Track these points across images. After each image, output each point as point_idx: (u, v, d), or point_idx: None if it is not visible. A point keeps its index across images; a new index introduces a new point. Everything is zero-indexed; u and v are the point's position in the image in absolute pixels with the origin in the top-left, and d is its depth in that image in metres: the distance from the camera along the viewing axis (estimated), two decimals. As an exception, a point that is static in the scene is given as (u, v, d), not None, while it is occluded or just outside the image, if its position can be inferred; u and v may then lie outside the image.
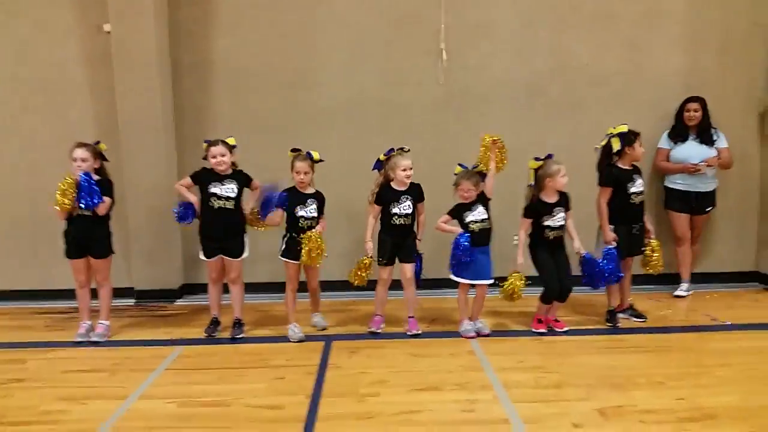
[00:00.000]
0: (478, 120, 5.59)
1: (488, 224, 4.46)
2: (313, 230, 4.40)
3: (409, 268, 4.57)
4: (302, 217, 4.50)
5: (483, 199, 4.49)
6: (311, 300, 4.81)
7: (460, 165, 4.55)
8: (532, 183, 4.48)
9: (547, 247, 4.48)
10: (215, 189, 4.43)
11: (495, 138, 4.45)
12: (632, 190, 4.57)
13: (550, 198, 4.48)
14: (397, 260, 4.61)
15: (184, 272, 5.73)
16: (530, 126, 5.61)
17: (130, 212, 5.44)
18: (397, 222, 4.50)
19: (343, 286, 5.44)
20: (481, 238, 4.45)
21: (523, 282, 4.39)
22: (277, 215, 4.45)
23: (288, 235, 4.51)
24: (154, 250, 5.50)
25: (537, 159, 4.47)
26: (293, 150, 4.58)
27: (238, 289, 4.66)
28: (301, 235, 4.39)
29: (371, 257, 4.51)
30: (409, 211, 4.50)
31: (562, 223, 4.48)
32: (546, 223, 4.44)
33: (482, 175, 4.51)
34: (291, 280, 4.56)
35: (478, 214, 4.45)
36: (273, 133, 5.55)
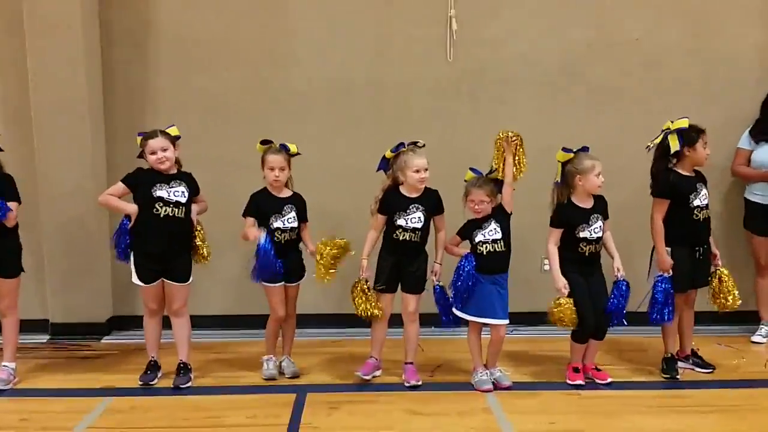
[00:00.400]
0: (496, 109, 5.58)
1: (502, 246, 4.46)
2: (325, 243, 4.51)
3: (412, 301, 4.60)
4: (278, 229, 4.55)
5: (500, 215, 4.50)
6: (284, 334, 4.83)
7: (471, 170, 4.56)
8: (559, 180, 4.51)
9: (579, 267, 4.49)
10: (161, 192, 4.46)
11: (510, 135, 4.43)
12: (695, 202, 4.55)
13: (584, 202, 4.49)
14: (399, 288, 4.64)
15: (114, 301, 5.72)
16: (564, 118, 5.63)
17: (43, 222, 5.41)
18: (402, 237, 4.50)
19: (326, 320, 5.54)
20: (491, 263, 4.45)
21: (572, 311, 4.38)
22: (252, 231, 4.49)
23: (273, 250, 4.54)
24: (75, 271, 5.45)
25: (566, 150, 4.47)
26: (263, 141, 4.61)
27: (183, 323, 4.67)
28: (318, 245, 4.49)
29: (365, 279, 4.51)
30: (419, 224, 4.50)
31: (600, 234, 4.49)
32: (582, 234, 4.44)
33: (499, 183, 4.51)
34: (275, 309, 4.63)
35: (490, 233, 4.47)
36: (231, 123, 5.58)
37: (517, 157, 4.44)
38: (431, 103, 5.63)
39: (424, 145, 4.53)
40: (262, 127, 5.33)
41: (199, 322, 5.05)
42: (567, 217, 4.49)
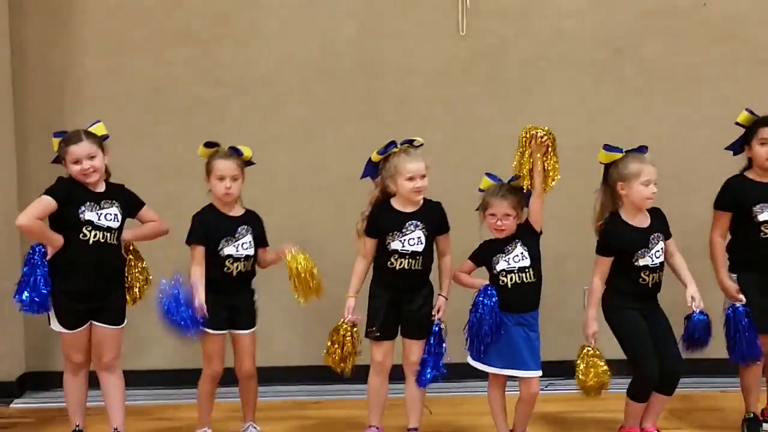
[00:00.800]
0: (522, 99, 5.59)
1: (531, 276, 4.46)
2: (292, 250, 4.54)
3: (416, 349, 4.58)
4: (230, 257, 4.56)
5: (527, 234, 4.50)
6: (242, 396, 4.79)
7: (489, 176, 4.53)
8: (601, 188, 4.57)
9: (640, 302, 4.51)
10: (91, 214, 4.46)
11: (539, 132, 4.39)
12: (762, 217, 4.58)
13: (636, 219, 4.51)
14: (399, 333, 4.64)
15: (27, 354, 5.71)
16: (612, 108, 5.63)
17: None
18: (399, 265, 4.50)
19: (304, 375, 5.55)
20: (517, 298, 4.45)
21: (602, 363, 4.44)
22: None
23: (206, 289, 4.54)
24: (-27, 317, 5.48)
25: (610, 149, 4.50)
26: (208, 144, 4.58)
27: (115, 381, 4.64)
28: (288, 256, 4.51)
29: (352, 323, 4.52)
30: (420, 247, 4.50)
31: (662, 259, 4.52)
32: (642, 261, 4.47)
33: (525, 194, 4.49)
34: (211, 361, 4.61)
35: (516, 258, 4.46)
36: (176, 119, 5.60)
37: (547, 161, 4.41)
38: (438, 90, 5.64)
39: (421, 145, 4.52)
40: (213, 122, 5.39)
41: (135, 379, 5.05)
42: (617, 240, 4.51)
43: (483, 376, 4.59)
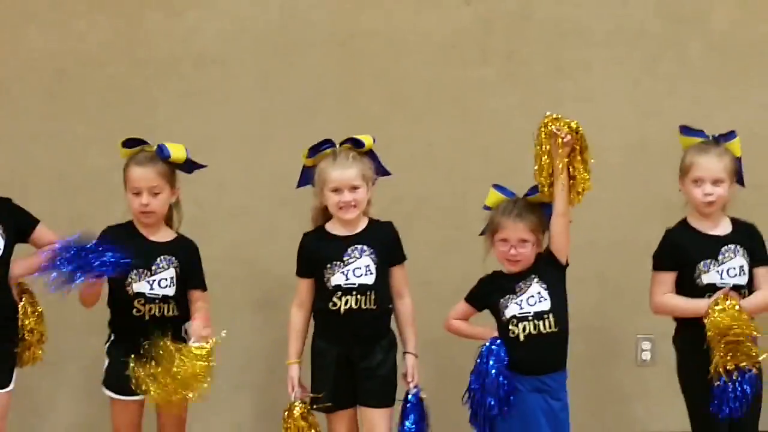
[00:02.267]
0: (551, 82, 5.58)
1: (552, 325, 4.45)
2: (192, 334, 4.48)
3: (379, 421, 4.58)
4: (141, 296, 4.50)
5: (548, 267, 4.52)
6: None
7: (497, 189, 4.56)
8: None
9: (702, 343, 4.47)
10: None
11: (561, 127, 4.41)
12: (708, 279, 4.60)
13: (708, 225, 4.56)
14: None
15: None
16: (670, 95, 5.62)
17: None
18: (345, 305, 4.53)
19: None
20: (533, 354, 4.45)
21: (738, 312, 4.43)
22: (92, 292, 4.49)
23: (112, 339, 4.61)
24: None
25: (688, 131, 4.56)
26: (127, 143, 4.59)
27: None
28: (146, 341, 4.41)
29: (302, 400, 4.54)
30: (369, 278, 4.55)
31: (743, 282, 4.53)
32: (705, 278, 4.50)
33: (544, 207, 4.51)
34: None
35: (531, 300, 4.46)
36: (87, 108, 5.57)
37: (574, 166, 4.41)
38: (439, 73, 5.65)
39: (360, 144, 4.56)
40: (141, 117, 5.39)
41: None
42: (677, 247, 4.52)
43: None
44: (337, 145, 4.56)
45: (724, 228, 4.55)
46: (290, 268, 4.96)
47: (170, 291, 4.52)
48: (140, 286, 4.47)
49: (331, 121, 5.50)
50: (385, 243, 4.56)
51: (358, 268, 4.49)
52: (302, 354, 4.60)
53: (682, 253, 4.55)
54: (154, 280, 4.50)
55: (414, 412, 4.55)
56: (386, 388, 4.55)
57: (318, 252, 4.55)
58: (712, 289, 4.46)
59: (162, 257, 4.52)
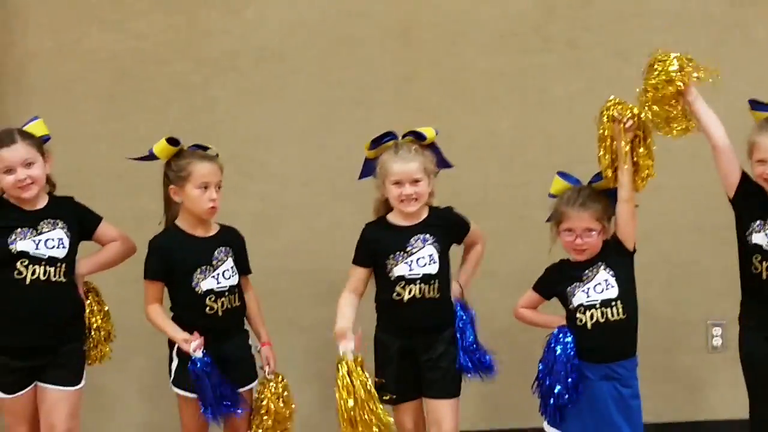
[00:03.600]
0: (614, 68, 5.53)
1: (620, 312, 4.44)
2: (268, 376, 4.64)
3: (446, 412, 4.56)
4: (210, 292, 4.53)
5: (615, 254, 4.51)
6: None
7: (561, 176, 4.57)
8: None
9: (760, 313, 4.52)
10: (25, 242, 4.47)
11: (625, 112, 4.39)
12: (756, 239, 4.55)
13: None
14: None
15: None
16: (737, 79, 5.46)
17: None
18: (409, 295, 4.53)
19: None
20: (601, 342, 4.44)
21: None
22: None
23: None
24: None
25: (758, 106, 4.52)
26: (172, 141, 4.60)
27: None
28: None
29: (353, 356, 4.45)
30: (434, 268, 4.56)
31: None
32: (755, 238, 4.48)
33: (610, 193, 4.49)
34: None
35: (598, 288, 4.45)
36: (148, 106, 5.63)
37: (637, 152, 4.41)
38: (498, 62, 5.63)
39: (422, 138, 4.55)
40: (201, 114, 5.45)
41: None
42: (745, 200, 4.47)
43: None
44: (399, 138, 4.56)
45: None
46: (349, 257, 5.02)
47: (234, 280, 4.57)
48: (208, 284, 4.50)
49: (390, 113, 5.54)
50: (446, 228, 4.56)
51: (421, 258, 4.50)
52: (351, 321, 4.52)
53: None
54: (218, 274, 4.52)
55: (463, 325, 4.58)
56: (451, 378, 4.55)
57: (380, 242, 4.56)
58: (760, 250, 4.44)
59: (218, 249, 4.55)
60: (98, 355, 4.64)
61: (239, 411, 4.53)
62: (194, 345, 4.40)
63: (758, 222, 4.43)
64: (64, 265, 4.46)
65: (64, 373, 4.49)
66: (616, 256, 4.45)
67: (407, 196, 4.47)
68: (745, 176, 4.50)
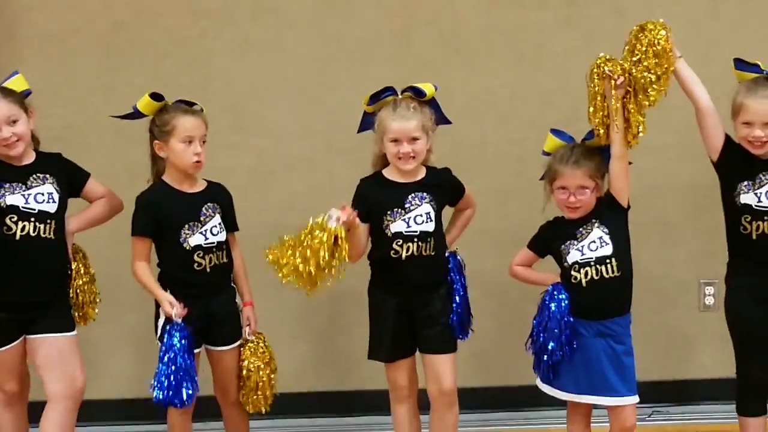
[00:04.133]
0: (611, 24, 5.49)
1: (614, 270, 4.46)
2: (249, 337, 4.66)
3: (444, 367, 4.59)
4: (198, 248, 4.57)
5: (609, 211, 4.52)
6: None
7: (554, 133, 4.56)
8: None
9: (751, 270, 4.54)
10: (14, 197, 4.49)
11: (614, 67, 4.39)
12: (745, 199, 4.56)
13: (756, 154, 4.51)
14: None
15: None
16: (732, 39, 5.51)
17: None
18: (407, 253, 4.55)
19: (317, 402, 5.42)
20: (596, 299, 4.46)
21: None
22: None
23: (167, 292, 4.58)
24: None
25: (743, 66, 4.51)
26: (156, 96, 4.58)
27: (63, 415, 4.57)
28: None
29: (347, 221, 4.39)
30: (430, 226, 4.56)
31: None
32: (743, 198, 4.49)
33: (604, 150, 4.50)
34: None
35: (593, 246, 4.47)
36: (144, 60, 5.60)
37: (630, 110, 4.41)
38: (498, 14, 5.61)
39: (422, 94, 4.52)
40: (197, 68, 5.41)
41: (89, 412, 5.04)
42: (730, 162, 4.49)
43: (561, 404, 4.59)
44: (399, 94, 4.54)
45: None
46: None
47: (222, 237, 4.58)
48: (196, 239, 4.50)
49: (387, 68, 5.49)
50: (443, 189, 4.57)
51: (419, 216, 4.49)
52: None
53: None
54: (206, 230, 4.53)
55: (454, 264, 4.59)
56: (448, 334, 4.56)
57: (377, 198, 4.55)
58: (750, 210, 4.46)
59: (206, 205, 4.56)
60: (83, 317, 4.65)
61: (184, 402, 4.46)
62: (176, 311, 4.40)
63: (746, 182, 4.45)
64: (53, 222, 4.47)
65: (56, 322, 4.50)
66: (610, 213, 4.46)
67: (405, 153, 4.47)
68: (728, 138, 4.49)
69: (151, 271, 4.52)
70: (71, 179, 4.59)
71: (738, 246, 4.53)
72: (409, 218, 4.51)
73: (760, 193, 4.45)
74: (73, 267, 4.61)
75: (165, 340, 4.46)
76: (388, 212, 4.51)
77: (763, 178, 4.45)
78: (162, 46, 5.55)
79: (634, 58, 4.41)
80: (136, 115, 4.56)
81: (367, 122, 4.64)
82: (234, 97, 5.20)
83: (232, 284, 4.72)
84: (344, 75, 5.58)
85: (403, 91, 4.53)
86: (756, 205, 4.43)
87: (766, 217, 4.46)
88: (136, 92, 5.22)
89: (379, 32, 5.58)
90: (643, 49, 4.41)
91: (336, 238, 4.28)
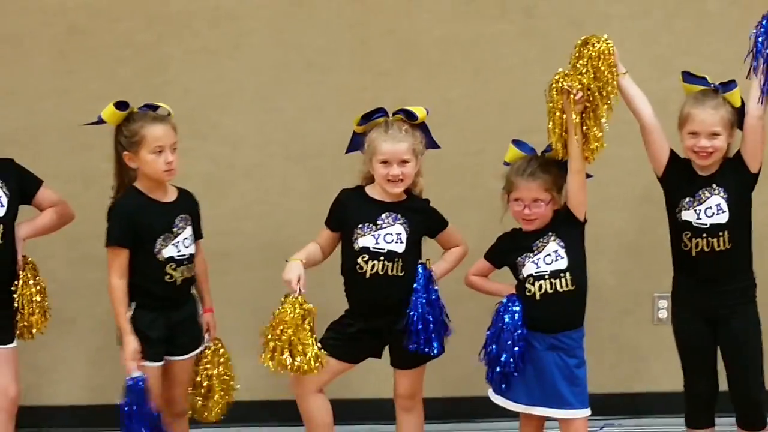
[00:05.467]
0: (567, 37, 5.14)
1: (568, 283, 4.47)
2: (208, 344, 4.69)
3: (405, 380, 4.64)
4: (171, 260, 4.54)
5: (565, 225, 4.52)
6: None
7: (516, 145, 4.57)
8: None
9: (691, 282, 4.61)
10: None
11: (572, 81, 4.39)
12: (686, 216, 4.63)
13: (701, 167, 4.54)
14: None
15: None
16: (689, 51, 5.57)
17: None
18: (372, 270, 4.55)
19: (270, 413, 5.40)
20: (549, 312, 4.46)
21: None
22: None
23: (135, 305, 4.52)
24: None
25: (690, 79, 4.61)
26: (121, 105, 4.52)
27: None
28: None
29: (296, 293, 4.43)
30: (399, 246, 4.56)
31: (723, 221, 4.51)
32: (684, 215, 4.55)
33: (562, 163, 4.51)
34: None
35: (548, 259, 4.47)
36: (98, 64, 5.53)
37: (587, 124, 4.41)
38: (457, 25, 5.59)
39: (414, 118, 4.53)
40: (153, 74, 5.38)
41: (43, 417, 5.15)
42: (674, 178, 4.56)
43: (513, 415, 4.60)
44: (390, 115, 4.54)
45: (712, 169, 4.51)
46: (303, 225, 5.08)
47: (192, 249, 4.56)
48: (169, 251, 4.46)
49: (344, 77, 5.53)
50: (420, 214, 4.57)
51: (389, 234, 4.51)
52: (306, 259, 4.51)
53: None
54: (179, 242, 4.50)
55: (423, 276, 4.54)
56: (409, 354, 4.53)
57: (352, 209, 4.56)
58: (689, 226, 4.51)
59: (179, 216, 4.52)
60: (27, 329, 4.56)
61: None
62: (135, 368, 4.38)
63: (687, 199, 4.50)
64: (1, 226, 4.44)
65: None
66: (567, 227, 4.46)
67: (394, 176, 4.46)
68: (673, 154, 4.55)
69: (126, 296, 4.43)
70: (23, 186, 4.55)
71: (680, 262, 4.60)
72: (379, 235, 4.51)
73: (700, 210, 4.50)
74: (21, 276, 4.53)
75: (129, 393, 4.40)
76: (360, 225, 4.52)
77: (702, 195, 4.49)
78: (118, 50, 5.48)
79: (577, 73, 4.43)
80: (101, 122, 4.50)
81: (356, 142, 4.63)
82: (190, 104, 5.13)
83: (193, 292, 4.71)
84: (302, 83, 5.55)
85: (394, 113, 4.54)
86: (695, 222, 4.50)
87: (704, 235, 4.50)
88: (91, 97, 5.26)
89: (338, 41, 5.55)
90: (584, 62, 4.43)
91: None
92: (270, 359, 4.37)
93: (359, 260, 4.50)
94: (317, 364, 4.34)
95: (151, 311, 4.46)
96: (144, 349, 4.42)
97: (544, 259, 4.43)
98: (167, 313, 4.50)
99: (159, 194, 4.51)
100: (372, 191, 4.56)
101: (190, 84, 5.32)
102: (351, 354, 4.59)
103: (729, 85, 4.52)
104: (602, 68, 4.42)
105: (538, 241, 4.44)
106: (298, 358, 4.33)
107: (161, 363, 4.52)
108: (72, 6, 5.48)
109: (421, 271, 4.55)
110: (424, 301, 4.52)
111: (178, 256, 4.50)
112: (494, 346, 4.41)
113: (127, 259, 4.45)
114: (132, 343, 4.38)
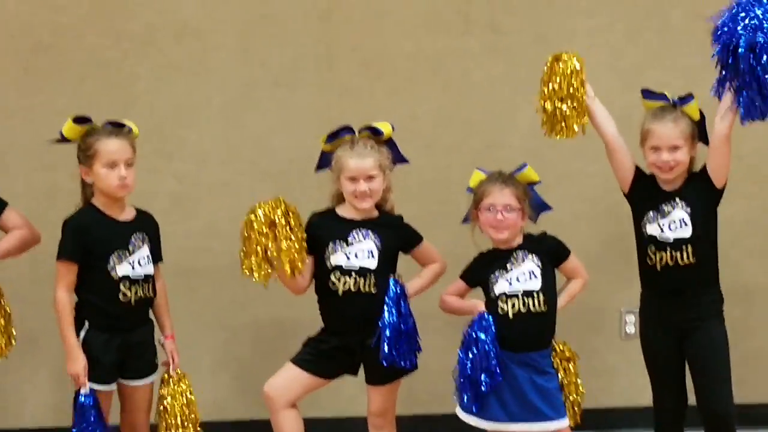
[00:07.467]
0: (534, 53, 5.33)
1: (541, 304, 4.47)
2: (172, 373, 4.62)
3: (378, 396, 4.63)
4: (125, 278, 4.48)
5: (538, 242, 4.54)
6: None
7: (480, 170, 4.60)
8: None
9: (655, 295, 4.63)
10: None
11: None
12: (650, 230, 4.65)
13: (666, 181, 4.55)
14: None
15: None
16: (654, 65, 5.59)
17: None
18: (344, 287, 4.56)
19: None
20: (520, 332, 4.46)
21: None
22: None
23: (87, 327, 4.50)
24: None
25: (648, 95, 4.62)
26: (79, 120, 4.52)
27: None
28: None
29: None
30: (372, 263, 4.56)
31: (687, 235, 4.52)
32: (648, 229, 4.57)
33: (530, 187, 4.57)
34: None
35: (522, 278, 4.47)
36: (65, 82, 5.55)
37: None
38: (422, 41, 5.63)
39: (380, 134, 4.56)
40: (120, 91, 5.36)
41: None
42: (639, 193, 4.59)
43: None
44: (356, 133, 4.56)
45: (676, 184, 4.54)
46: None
47: (150, 269, 4.50)
48: (123, 269, 4.42)
49: (311, 93, 5.57)
50: (392, 230, 4.58)
51: (361, 251, 4.52)
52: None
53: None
54: (134, 261, 4.45)
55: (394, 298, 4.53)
56: (380, 369, 4.52)
57: (323, 229, 4.56)
58: (654, 240, 4.54)
59: (135, 234, 4.47)
60: None
61: None
62: (83, 389, 4.34)
63: (651, 213, 4.52)
64: None
65: None
66: (543, 244, 4.51)
67: (361, 192, 4.48)
68: (638, 170, 4.58)
69: (72, 311, 4.40)
70: None
71: (646, 276, 4.61)
72: (350, 252, 4.52)
73: (663, 224, 4.51)
74: None
75: (80, 409, 4.38)
76: (331, 243, 4.52)
77: (664, 209, 4.51)
78: (83, 67, 5.50)
79: (549, 88, 4.47)
80: (65, 139, 4.48)
81: (324, 160, 4.64)
82: (156, 121, 5.15)
83: (150, 316, 4.64)
84: (268, 99, 5.58)
85: (360, 130, 4.56)
86: (659, 237, 4.51)
87: (668, 248, 4.51)
88: (56, 114, 5.23)
89: (304, 57, 5.58)
90: (557, 79, 4.47)
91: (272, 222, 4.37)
92: (249, 269, 4.41)
93: (332, 277, 4.50)
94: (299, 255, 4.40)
95: (104, 332, 4.42)
96: (95, 372, 4.39)
97: (517, 278, 4.45)
98: (121, 334, 4.45)
99: (115, 211, 4.47)
100: (342, 211, 4.58)
101: (156, 101, 5.34)
102: (325, 370, 4.57)
103: (686, 99, 4.55)
104: (575, 84, 4.47)
105: (513, 259, 4.46)
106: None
107: (112, 386, 4.49)
108: (37, 23, 5.49)
109: (392, 284, 4.55)
110: (395, 312, 4.52)
111: (134, 275, 4.45)
112: (466, 364, 4.40)
113: (75, 275, 4.41)
114: (80, 360, 4.36)
